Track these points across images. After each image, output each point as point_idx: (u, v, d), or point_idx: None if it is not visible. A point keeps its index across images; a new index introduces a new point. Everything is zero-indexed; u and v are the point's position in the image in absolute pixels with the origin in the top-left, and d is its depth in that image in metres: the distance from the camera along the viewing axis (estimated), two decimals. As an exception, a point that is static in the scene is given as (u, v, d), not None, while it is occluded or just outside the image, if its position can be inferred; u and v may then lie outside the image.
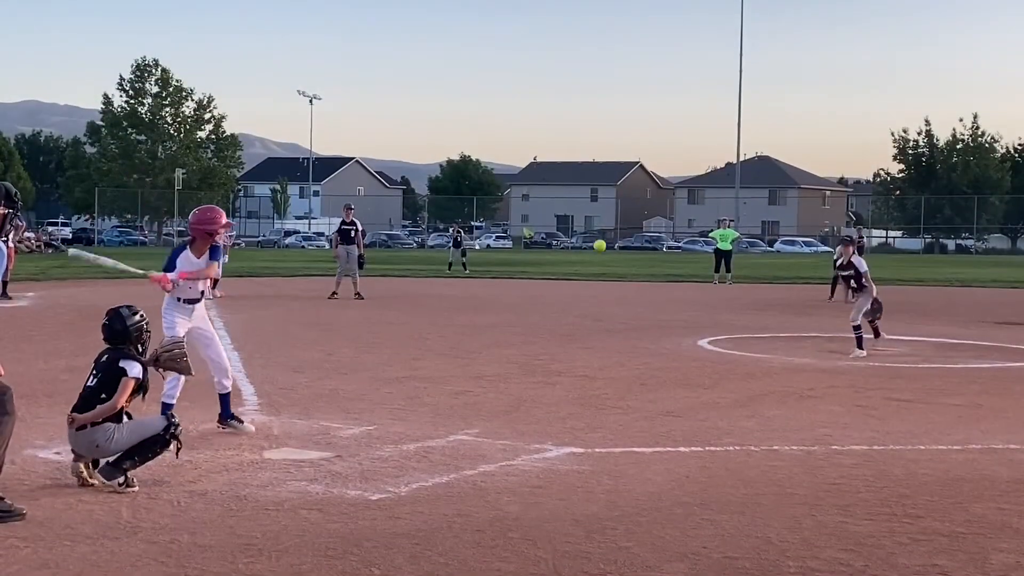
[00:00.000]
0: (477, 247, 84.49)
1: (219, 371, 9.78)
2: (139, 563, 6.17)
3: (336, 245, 27.20)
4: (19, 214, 7.48)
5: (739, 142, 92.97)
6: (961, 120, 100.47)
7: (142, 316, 8.16)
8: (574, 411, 11.22)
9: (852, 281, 16.94)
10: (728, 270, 36.02)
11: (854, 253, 17.09)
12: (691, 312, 24.43)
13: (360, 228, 26.86)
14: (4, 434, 6.96)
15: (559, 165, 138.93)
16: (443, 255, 51.95)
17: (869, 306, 16.76)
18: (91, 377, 7.94)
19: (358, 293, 25.89)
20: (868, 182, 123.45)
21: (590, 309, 25.44)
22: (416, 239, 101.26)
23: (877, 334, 17.35)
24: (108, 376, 7.84)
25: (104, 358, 7.97)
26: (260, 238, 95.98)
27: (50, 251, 58.68)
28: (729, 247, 36.89)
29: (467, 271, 41.02)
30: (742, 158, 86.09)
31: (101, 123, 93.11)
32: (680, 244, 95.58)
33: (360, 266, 26.49)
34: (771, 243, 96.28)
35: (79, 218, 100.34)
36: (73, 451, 7.84)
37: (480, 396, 12.14)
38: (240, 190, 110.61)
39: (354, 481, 8.06)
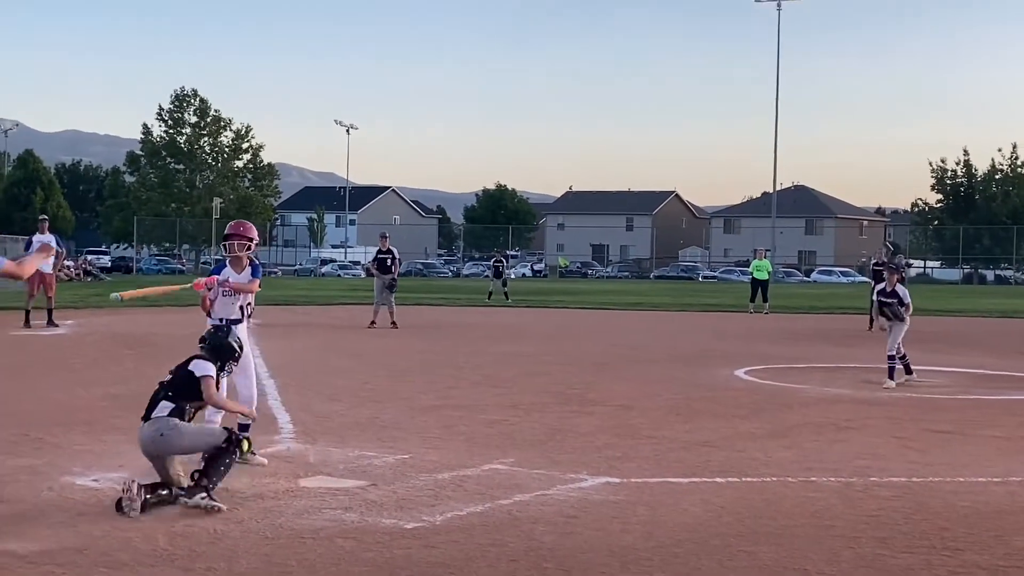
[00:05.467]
0: (512, 276, 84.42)
1: (244, 400, 9.62)
2: (175, 590, 6.19)
3: (371, 273, 27.38)
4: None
5: (775, 171, 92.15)
6: (1000, 150, 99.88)
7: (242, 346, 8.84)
8: (610, 441, 11.19)
9: (894, 307, 16.48)
10: (765, 300, 35.91)
11: (899, 282, 16.91)
12: (727, 342, 24.31)
13: (397, 256, 27.14)
14: None
15: (595, 194, 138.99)
16: (479, 284, 51.97)
17: (903, 336, 16.53)
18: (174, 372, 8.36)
19: (394, 322, 26.03)
20: (906, 212, 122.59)
21: (625, 338, 25.38)
22: (451, 268, 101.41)
23: (909, 370, 16.67)
24: (179, 378, 8.26)
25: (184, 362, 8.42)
26: (296, 267, 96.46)
27: (89, 279, 59.21)
28: (765, 277, 36.81)
29: (509, 300, 40.92)
30: (778, 187, 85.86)
31: (140, 153, 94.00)
32: (716, 274, 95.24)
33: (391, 288, 26.58)
34: (808, 273, 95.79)
35: (118, 247, 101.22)
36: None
37: (515, 425, 12.13)
38: (277, 219, 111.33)
39: (389, 510, 8.06)
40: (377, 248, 27.63)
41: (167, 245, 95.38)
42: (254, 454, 9.42)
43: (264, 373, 16.38)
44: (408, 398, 14.29)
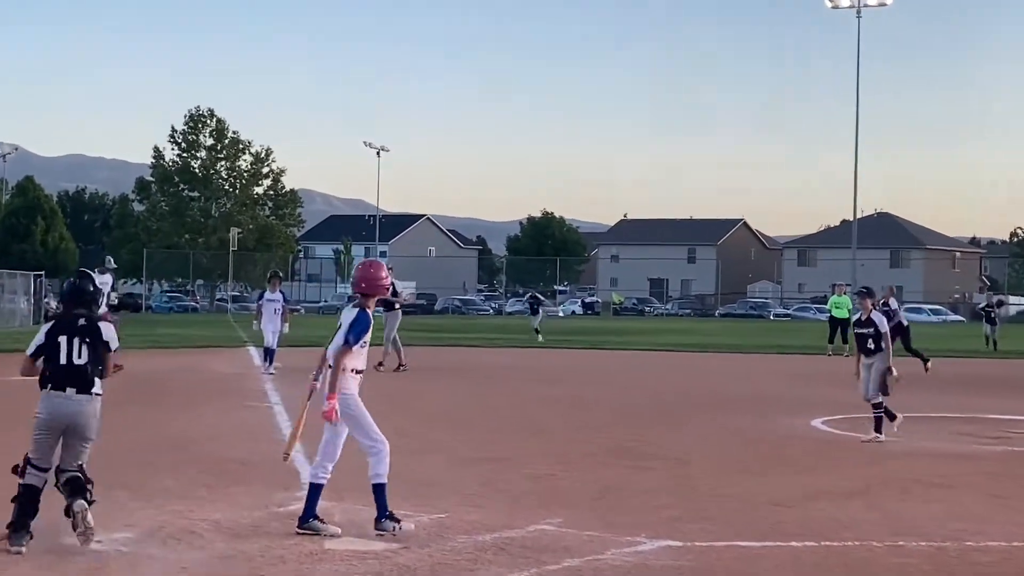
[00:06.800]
0: (560, 313, 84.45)
1: (379, 455, 9.63)
2: (186, 664, 6.21)
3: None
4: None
5: (856, 197, 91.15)
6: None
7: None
8: (670, 500, 11.14)
9: (869, 341, 15.97)
10: (845, 340, 35.67)
11: (874, 308, 16.34)
12: (802, 388, 24.18)
13: (399, 291, 27.32)
14: None
15: (652, 223, 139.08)
16: (524, 323, 52.32)
17: (886, 376, 15.74)
18: (80, 346, 8.56)
19: (401, 364, 26.18)
20: (1004, 242, 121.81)
21: (687, 384, 25.29)
22: (493, 305, 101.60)
23: (892, 416, 15.93)
24: (100, 351, 8.64)
25: (82, 324, 8.65)
26: (321, 303, 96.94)
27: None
28: (846, 315, 36.57)
29: (540, 339, 42.09)
30: (860, 215, 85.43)
31: (151, 178, 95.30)
32: (789, 311, 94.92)
33: (392, 306, 26.84)
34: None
35: (125, 282, 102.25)
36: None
37: (563, 480, 12.10)
38: (300, 251, 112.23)
39: (424, 575, 8.05)
40: None
41: (179, 280, 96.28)
42: (323, 522, 9.30)
43: (284, 422, 16.45)
44: (444, 449, 14.30)
